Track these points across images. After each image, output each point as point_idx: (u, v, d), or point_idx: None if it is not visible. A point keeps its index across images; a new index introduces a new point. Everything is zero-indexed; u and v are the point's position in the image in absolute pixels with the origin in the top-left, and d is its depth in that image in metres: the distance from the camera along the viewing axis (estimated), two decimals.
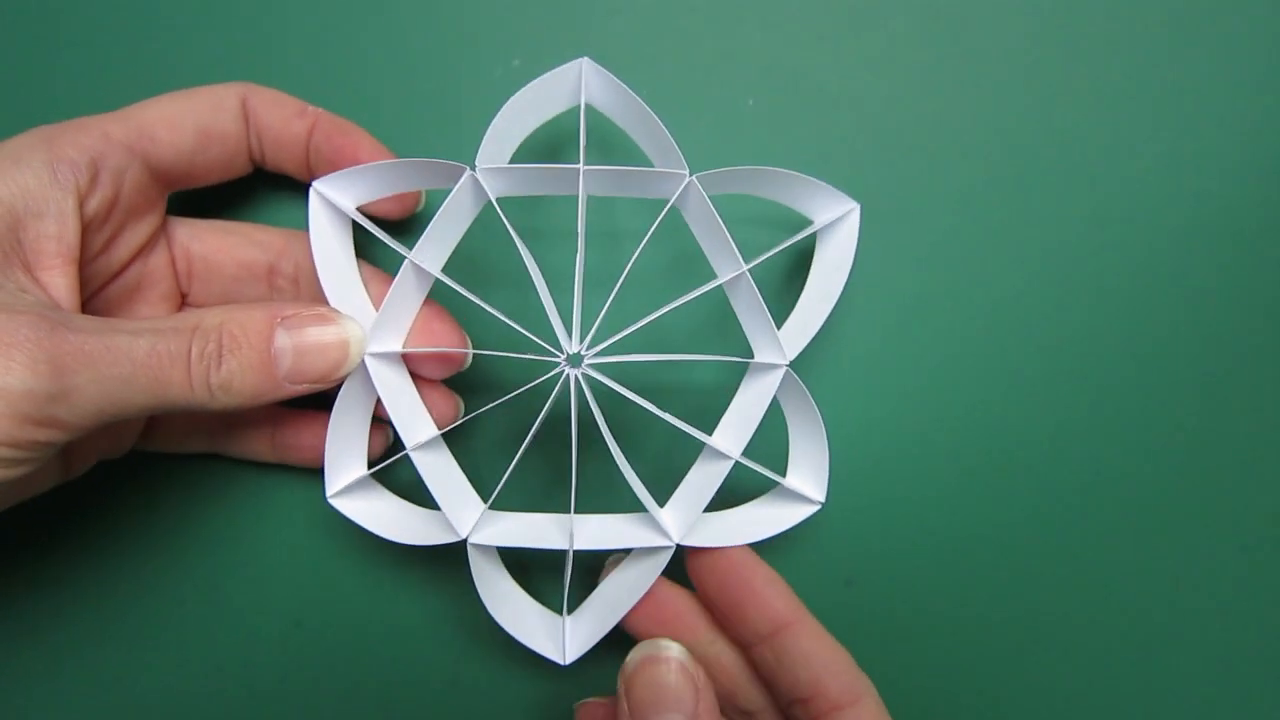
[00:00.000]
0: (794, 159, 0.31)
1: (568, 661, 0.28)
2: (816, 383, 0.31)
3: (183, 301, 0.29)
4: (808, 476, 0.29)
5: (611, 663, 0.28)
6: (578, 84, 0.26)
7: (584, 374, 0.27)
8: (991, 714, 0.32)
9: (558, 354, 0.27)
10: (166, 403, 0.23)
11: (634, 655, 0.26)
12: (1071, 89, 0.32)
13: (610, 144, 0.30)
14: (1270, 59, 0.32)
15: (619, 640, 0.29)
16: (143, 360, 0.23)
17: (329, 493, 0.28)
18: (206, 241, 0.28)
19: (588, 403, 0.27)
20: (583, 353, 0.27)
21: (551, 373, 0.27)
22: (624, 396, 0.27)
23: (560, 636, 0.29)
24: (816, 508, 0.29)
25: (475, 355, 0.28)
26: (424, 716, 0.32)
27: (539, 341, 0.26)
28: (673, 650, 0.26)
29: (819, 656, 0.26)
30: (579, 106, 0.27)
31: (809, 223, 0.29)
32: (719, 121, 0.31)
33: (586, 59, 0.26)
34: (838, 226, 0.28)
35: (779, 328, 0.28)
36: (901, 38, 0.31)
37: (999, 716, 0.33)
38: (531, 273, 0.26)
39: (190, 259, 0.28)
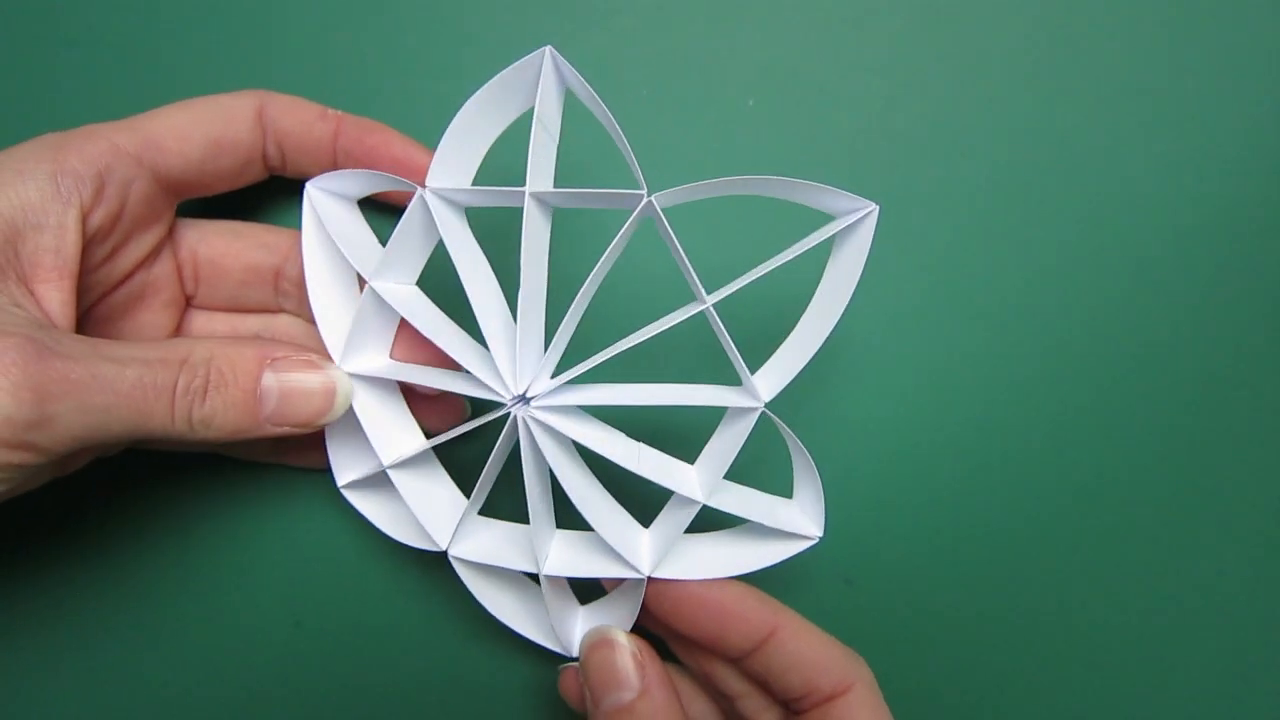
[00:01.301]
0: (794, 159, 0.32)
1: (577, 654, 0.29)
2: (818, 383, 0.32)
3: (186, 305, 0.29)
4: (803, 509, 0.28)
5: None
6: (548, 76, 0.24)
7: (532, 415, 0.25)
8: (992, 713, 0.33)
9: (503, 394, 0.25)
10: (145, 432, 0.24)
11: (586, 639, 0.28)
12: (1073, 88, 0.32)
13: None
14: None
15: None
16: (128, 391, 0.23)
17: (339, 483, 0.29)
18: (214, 245, 0.29)
19: (546, 437, 0.26)
20: (529, 394, 0.25)
21: (498, 414, 0.26)
22: (593, 422, 0.27)
23: (554, 631, 0.29)
24: (810, 543, 0.28)
25: (426, 385, 0.27)
26: (426, 715, 0.32)
27: (484, 379, 0.26)
28: (620, 636, 0.27)
29: (806, 656, 0.27)
30: (539, 100, 0.25)
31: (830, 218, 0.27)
32: (719, 121, 0.32)
33: (550, 48, 0.24)
34: (851, 233, 0.25)
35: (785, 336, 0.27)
36: (901, 38, 0.32)
37: (999, 715, 0.33)
38: (473, 302, 0.25)
39: (197, 263, 0.29)
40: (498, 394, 0.26)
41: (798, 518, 0.28)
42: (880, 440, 0.32)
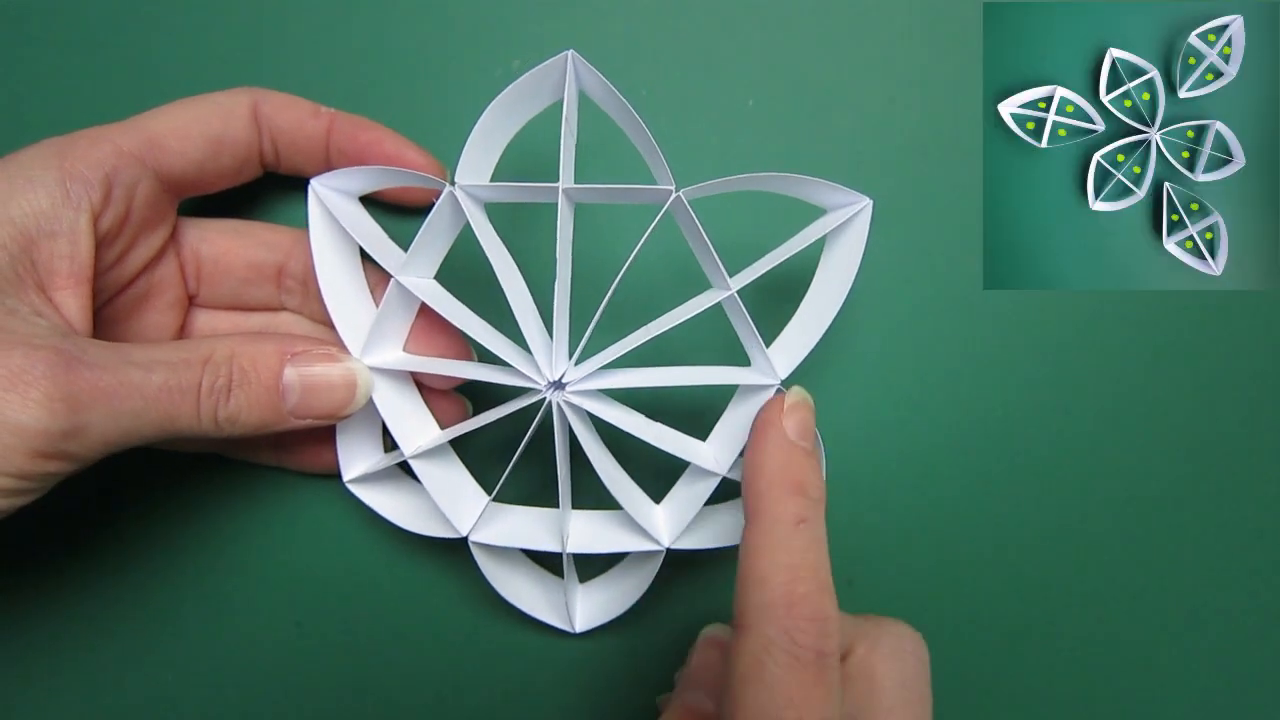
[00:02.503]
0: (794, 159, 0.32)
1: (578, 630, 0.31)
2: (819, 383, 0.32)
3: (190, 303, 0.30)
4: None
5: (618, 631, 0.31)
6: (561, 80, 0.26)
7: (566, 400, 0.27)
8: (992, 713, 0.33)
9: (538, 381, 0.27)
10: (173, 433, 0.25)
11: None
12: None
13: (610, 127, 0.31)
14: None
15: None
16: (155, 395, 0.24)
17: (346, 478, 0.30)
18: (215, 244, 0.29)
19: (577, 420, 0.28)
20: (564, 380, 0.27)
21: (533, 400, 0.27)
22: (616, 405, 0.28)
23: (566, 607, 0.31)
24: None
25: (460, 376, 0.29)
26: (428, 713, 0.33)
27: (520, 366, 0.27)
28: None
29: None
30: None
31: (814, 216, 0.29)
32: (719, 121, 0.32)
33: (573, 52, 0.25)
34: (848, 226, 0.28)
35: (783, 328, 0.29)
36: (902, 37, 0.32)
37: (1000, 716, 0.33)
38: (509, 293, 0.27)
39: (199, 261, 0.29)
40: (534, 381, 0.27)
41: None
42: (882, 440, 0.33)
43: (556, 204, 0.26)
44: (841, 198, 0.27)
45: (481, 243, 0.27)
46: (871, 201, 0.27)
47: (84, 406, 0.23)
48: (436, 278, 0.29)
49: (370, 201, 0.31)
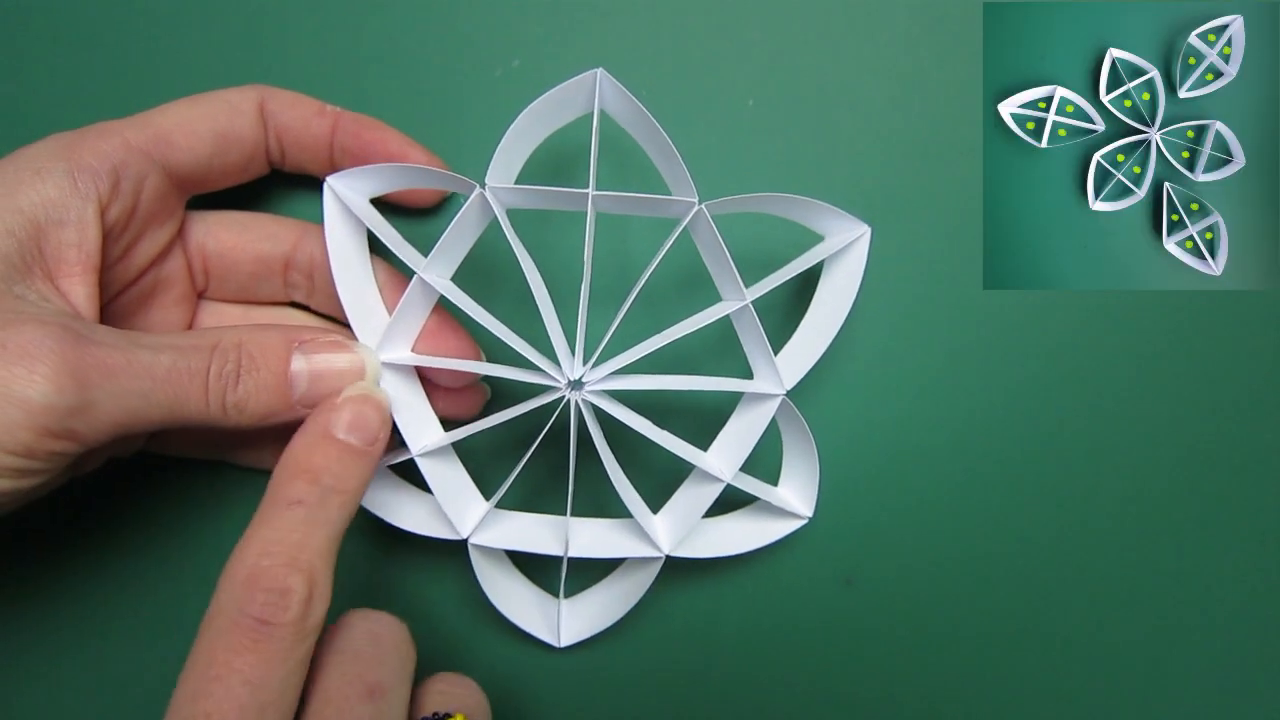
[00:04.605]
0: (794, 160, 0.33)
1: (562, 644, 0.31)
2: (819, 383, 0.32)
3: (198, 299, 0.30)
4: (797, 491, 0.31)
5: (607, 643, 0.32)
6: (591, 94, 0.27)
7: (585, 399, 0.28)
8: (991, 713, 0.33)
9: (559, 379, 0.28)
10: (181, 418, 0.25)
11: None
12: None
13: (622, 149, 0.32)
14: None
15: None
16: (163, 377, 0.24)
17: None
18: (222, 239, 0.30)
19: (592, 420, 0.28)
20: (584, 378, 0.28)
21: (553, 397, 0.28)
22: (627, 409, 0.29)
23: (556, 620, 0.31)
24: (803, 521, 0.31)
25: (481, 372, 0.29)
26: None
27: (542, 365, 0.28)
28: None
29: None
30: (591, 115, 0.27)
31: (820, 238, 0.30)
32: (719, 121, 0.33)
33: (602, 70, 0.26)
34: (847, 251, 0.29)
35: (783, 345, 0.30)
36: (902, 38, 0.32)
37: (999, 715, 0.33)
38: (536, 295, 0.28)
39: (206, 257, 0.30)
40: (554, 380, 0.28)
41: (792, 499, 0.31)
42: (881, 440, 0.33)
43: (583, 210, 0.27)
44: (841, 223, 0.28)
45: (511, 244, 0.27)
46: (870, 229, 0.29)
47: (92, 383, 0.23)
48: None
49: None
